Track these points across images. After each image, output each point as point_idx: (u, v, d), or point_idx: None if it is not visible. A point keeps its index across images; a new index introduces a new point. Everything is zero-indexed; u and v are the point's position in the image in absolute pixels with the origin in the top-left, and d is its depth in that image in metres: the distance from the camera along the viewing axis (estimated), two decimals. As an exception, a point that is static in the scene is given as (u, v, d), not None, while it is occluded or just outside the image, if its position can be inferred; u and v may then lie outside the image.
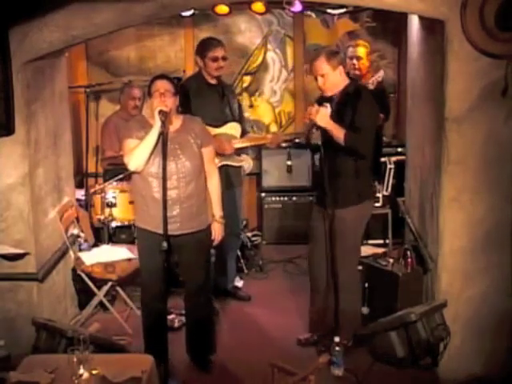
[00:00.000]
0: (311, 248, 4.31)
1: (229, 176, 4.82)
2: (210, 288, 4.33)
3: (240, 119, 4.97)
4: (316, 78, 3.99)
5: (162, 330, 3.81)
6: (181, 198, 3.74)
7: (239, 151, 4.92)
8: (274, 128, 6.65)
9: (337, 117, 3.92)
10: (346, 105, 3.95)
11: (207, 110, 4.62)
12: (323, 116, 3.87)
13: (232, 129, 4.83)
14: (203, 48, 4.74)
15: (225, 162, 4.79)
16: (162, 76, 3.82)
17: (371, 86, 5.36)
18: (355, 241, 4.17)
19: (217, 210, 3.98)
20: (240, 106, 5.10)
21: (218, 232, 3.99)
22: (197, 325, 4.09)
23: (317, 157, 4.18)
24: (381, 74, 5.37)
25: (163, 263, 3.64)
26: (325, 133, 3.90)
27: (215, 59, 4.69)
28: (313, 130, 3.94)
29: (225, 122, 4.79)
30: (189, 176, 3.77)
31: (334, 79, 3.96)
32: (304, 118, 3.99)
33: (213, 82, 4.78)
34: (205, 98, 4.70)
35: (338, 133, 3.86)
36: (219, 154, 4.68)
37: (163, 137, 3.59)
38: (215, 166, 4.06)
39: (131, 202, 4.84)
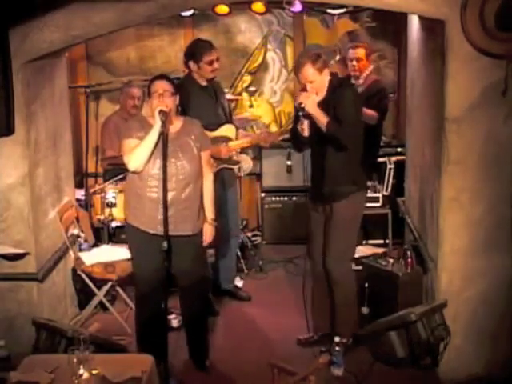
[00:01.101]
0: (311, 247, 4.30)
1: (223, 178, 4.82)
2: (206, 291, 4.33)
3: (230, 117, 4.97)
4: (304, 85, 3.97)
5: (161, 331, 3.80)
6: (177, 199, 3.74)
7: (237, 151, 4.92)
8: (274, 128, 6.64)
9: (322, 108, 3.93)
10: (330, 97, 3.98)
11: (201, 113, 4.51)
12: (312, 102, 3.90)
13: (227, 131, 4.82)
14: (197, 52, 4.65)
15: (222, 166, 4.80)
16: (162, 76, 3.82)
17: (361, 81, 5.43)
18: (351, 239, 4.17)
19: (209, 212, 3.97)
20: (228, 103, 5.08)
21: (208, 234, 3.97)
22: (192, 327, 4.10)
23: (306, 154, 4.18)
24: (370, 68, 5.48)
25: (163, 263, 3.64)
26: (314, 125, 3.92)
27: (211, 62, 4.64)
28: (301, 118, 3.94)
29: (219, 125, 4.78)
30: (187, 178, 3.77)
31: (321, 83, 3.97)
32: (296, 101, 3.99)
33: (203, 83, 4.75)
34: (198, 101, 4.66)
35: (322, 119, 3.88)
36: (216, 158, 4.68)
37: (163, 137, 3.59)
38: (211, 168, 4.05)
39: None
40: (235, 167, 4.95)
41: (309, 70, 3.92)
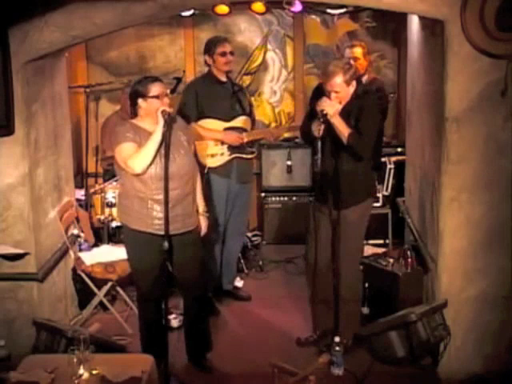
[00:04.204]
0: (315, 248, 4.27)
1: (240, 169, 4.91)
2: (207, 286, 4.34)
3: (250, 114, 5.03)
4: (328, 92, 3.92)
5: (162, 330, 3.80)
6: (183, 197, 3.77)
7: (249, 144, 4.97)
8: (273, 129, 6.64)
9: (342, 115, 3.91)
10: (353, 105, 3.96)
11: (218, 105, 4.80)
12: (336, 112, 3.88)
13: (242, 122, 4.91)
14: (211, 45, 4.83)
15: (236, 155, 4.86)
16: (158, 78, 3.81)
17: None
18: (359, 240, 4.19)
19: (201, 204, 4.02)
20: (252, 105, 5.15)
21: (203, 225, 4.02)
22: (195, 323, 4.10)
23: (316, 156, 4.16)
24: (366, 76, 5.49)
25: (164, 263, 3.64)
26: (328, 129, 3.88)
27: (224, 54, 4.78)
28: (320, 120, 3.89)
29: (235, 117, 4.87)
30: (187, 174, 3.80)
31: (346, 94, 3.95)
32: (318, 106, 3.91)
33: (223, 79, 4.87)
34: (215, 94, 4.82)
35: (344, 130, 3.87)
36: (230, 146, 4.81)
37: (166, 137, 3.58)
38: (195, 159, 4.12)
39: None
40: (248, 157, 4.98)
41: (338, 80, 3.89)
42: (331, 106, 3.87)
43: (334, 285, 4.09)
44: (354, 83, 3.96)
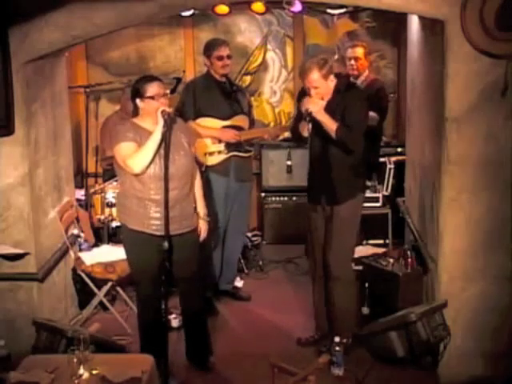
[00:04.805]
0: (313, 248, 4.29)
1: (239, 168, 4.91)
2: (206, 286, 4.35)
3: (249, 114, 5.04)
4: (308, 89, 3.95)
5: (162, 330, 3.80)
6: (181, 197, 3.76)
7: (247, 144, 4.99)
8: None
9: (328, 111, 3.92)
10: (337, 101, 3.96)
11: (215, 104, 4.82)
12: (320, 108, 3.88)
13: (239, 121, 4.91)
14: (208, 48, 4.85)
15: (233, 153, 4.87)
16: (157, 78, 3.81)
17: (361, 81, 5.43)
18: (351, 237, 4.18)
19: (201, 208, 4.02)
20: (251, 106, 5.16)
21: (203, 230, 4.02)
22: (193, 325, 4.10)
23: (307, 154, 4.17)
24: (366, 73, 5.50)
25: (163, 263, 3.64)
26: (316, 126, 3.91)
27: (220, 58, 4.80)
28: (306, 120, 3.93)
29: (233, 115, 4.88)
30: (186, 175, 3.80)
31: (326, 89, 3.95)
32: (302, 106, 3.95)
33: (221, 79, 4.89)
34: (213, 93, 4.84)
35: (331, 125, 3.87)
36: (227, 144, 4.82)
37: (166, 137, 3.58)
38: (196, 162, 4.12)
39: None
40: (246, 155, 4.98)
41: (314, 76, 3.88)
42: (314, 104, 3.89)
43: (330, 284, 4.12)
44: (332, 77, 3.95)
